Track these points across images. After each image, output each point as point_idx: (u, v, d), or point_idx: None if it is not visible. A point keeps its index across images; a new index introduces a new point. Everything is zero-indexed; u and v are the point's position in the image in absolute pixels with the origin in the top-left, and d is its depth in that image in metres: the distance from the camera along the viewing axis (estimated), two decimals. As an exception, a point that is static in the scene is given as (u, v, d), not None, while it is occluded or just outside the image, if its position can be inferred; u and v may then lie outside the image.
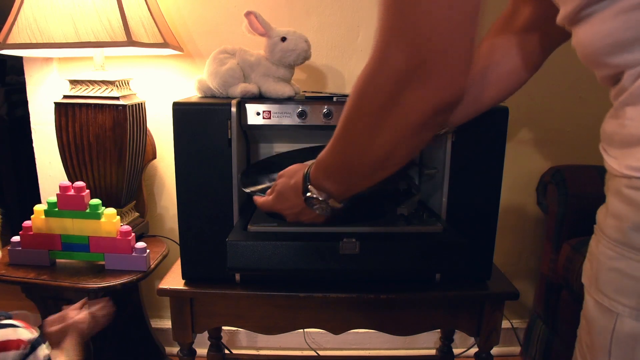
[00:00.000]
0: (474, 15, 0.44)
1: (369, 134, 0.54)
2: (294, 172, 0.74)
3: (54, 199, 1.07)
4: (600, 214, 0.52)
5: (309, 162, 0.70)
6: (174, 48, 1.20)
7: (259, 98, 1.03)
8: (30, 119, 1.40)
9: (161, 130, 1.40)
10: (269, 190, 0.79)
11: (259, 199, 0.81)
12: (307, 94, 1.14)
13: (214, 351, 1.43)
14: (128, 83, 1.23)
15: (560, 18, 0.52)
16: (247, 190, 0.92)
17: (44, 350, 0.71)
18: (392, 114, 0.50)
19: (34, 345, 0.70)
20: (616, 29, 0.46)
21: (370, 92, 0.51)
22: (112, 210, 1.09)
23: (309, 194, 0.69)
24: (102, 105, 1.13)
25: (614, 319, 0.49)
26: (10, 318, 0.72)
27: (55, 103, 1.15)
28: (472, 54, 0.46)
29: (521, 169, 1.48)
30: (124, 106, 1.13)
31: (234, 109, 0.92)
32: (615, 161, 0.49)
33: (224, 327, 1.51)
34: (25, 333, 0.70)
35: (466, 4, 0.43)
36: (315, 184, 0.67)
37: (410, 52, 0.45)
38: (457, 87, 0.47)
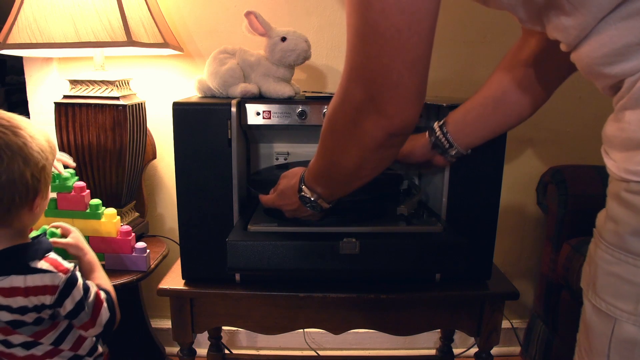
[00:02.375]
0: (420, 59, 0.52)
1: (340, 151, 0.65)
2: (294, 174, 0.84)
3: (54, 199, 1.07)
4: (600, 217, 0.52)
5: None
6: (174, 48, 1.21)
7: (259, 98, 1.03)
8: (30, 119, 1.40)
9: (161, 130, 1.40)
10: (272, 189, 0.90)
11: (263, 197, 0.92)
12: (307, 94, 1.15)
13: (214, 351, 1.43)
14: (128, 83, 1.23)
15: (564, 47, 0.53)
16: (252, 188, 1.03)
17: (77, 291, 0.79)
18: (354, 135, 0.60)
19: (69, 282, 0.78)
20: (610, 39, 0.46)
21: (338, 117, 0.62)
22: (112, 210, 1.09)
23: (302, 194, 0.79)
24: (102, 105, 1.13)
25: (612, 324, 0.48)
26: (50, 250, 0.80)
27: (55, 103, 1.15)
28: (422, 88, 0.54)
29: (521, 169, 1.48)
30: (124, 106, 1.13)
31: (234, 109, 0.92)
32: (614, 164, 0.49)
33: (224, 327, 1.51)
34: (61, 277, 0.77)
35: (410, 52, 0.51)
36: (308, 185, 0.78)
37: (365, 88, 0.54)
38: (407, 117, 0.55)
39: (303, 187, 0.79)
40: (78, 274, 0.81)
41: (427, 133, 0.89)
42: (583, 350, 0.54)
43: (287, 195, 0.84)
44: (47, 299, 0.77)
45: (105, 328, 0.84)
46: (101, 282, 0.89)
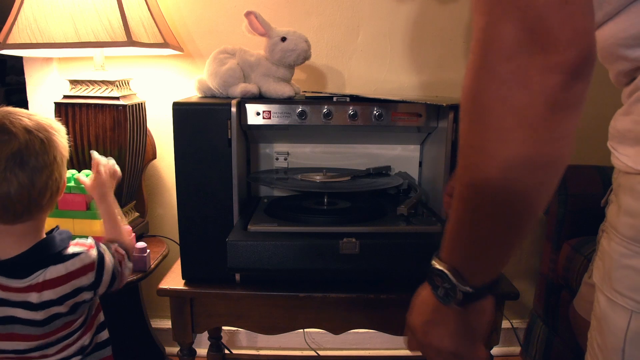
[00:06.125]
0: None
1: (490, 145, 0.40)
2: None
3: (54, 199, 1.07)
4: (612, 212, 0.52)
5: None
6: (174, 48, 1.20)
7: (259, 98, 1.03)
8: (30, 119, 1.40)
9: (161, 130, 1.40)
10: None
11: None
12: (307, 94, 1.15)
13: (214, 351, 1.43)
14: (128, 83, 1.23)
15: None
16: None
17: (108, 260, 0.82)
18: (513, 102, 0.39)
19: (100, 260, 0.81)
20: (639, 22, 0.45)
21: (482, 91, 0.41)
22: (112, 210, 1.09)
23: (432, 266, 0.51)
24: (102, 105, 1.13)
25: (628, 316, 0.48)
26: (71, 236, 0.82)
27: (55, 103, 1.15)
28: (592, 7, 0.39)
29: (521, 169, 1.48)
30: (124, 106, 1.13)
31: (234, 109, 0.92)
32: (629, 159, 0.48)
33: (224, 327, 1.51)
34: (93, 253, 0.80)
35: None
36: (441, 255, 0.51)
37: (519, 19, 0.38)
38: (584, 40, 0.38)
39: (434, 261, 0.51)
40: (99, 243, 0.84)
41: None
42: (596, 345, 0.53)
43: (417, 302, 0.56)
44: (86, 279, 0.79)
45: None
46: (111, 235, 0.90)
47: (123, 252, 0.87)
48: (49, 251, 0.77)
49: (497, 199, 0.41)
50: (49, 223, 0.97)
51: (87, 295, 0.80)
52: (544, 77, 0.38)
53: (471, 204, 0.43)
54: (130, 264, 0.88)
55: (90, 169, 1.12)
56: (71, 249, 0.79)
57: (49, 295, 0.76)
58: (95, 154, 0.93)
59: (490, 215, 0.42)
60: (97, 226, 1.08)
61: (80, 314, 0.82)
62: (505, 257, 0.46)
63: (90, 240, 0.83)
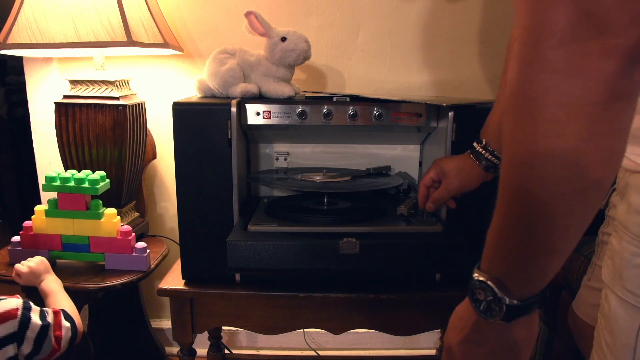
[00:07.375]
0: None
1: (542, 141, 0.36)
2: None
3: (54, 199, 1.07)
4: (621, 210, 0.51)
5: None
6: (174, 48, 1.20)
7: (259, 98, 1.03)
8: (30, 119, 1.40)
9: (161, 130, 1.40)
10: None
11: None
12: (307, 94, 1.15)
13: (214, 351, 1.43)
14: (128, 83, 1.23)
15: None
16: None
17: (35, 310, 0.82)
18: (569, 90, 0.35)
19: (26, 307, 0.80)
20: None
21: (532, 82, 0.36)
22: (112, 210, 1.09)
23: (474, 279, 0.47)
24: (102, 105, 1.13)
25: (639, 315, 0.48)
26: None
27: (55, 103, 1.15)
28: None
29: (521, 169, 1.48)
30: (124, 106, 1.13)
31: (234, 109, 0.92)
32: (639, 157, 0.48)
33: (224, 327, 1.51)
34: (14, 301, 0.79)
35: None
36: (482, 266, 0.48)
37: (573, 4, 0.34)
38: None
39: (475, 273, 0.48)
40: (28, 301, 0.82)
41: (473, 160, 0.83)
42: (604, 344, 0.53)
43: (454, 318, 0.53)
44: (6, 328, 0.76)
45: (70, 344, 0.85)
46: (55, 306, 0.91)
47: (57, 310, 0.86)
48: None
49: (549, 201, 0.37)
50: (49, 223, 0.97)
51: (10, 351, 0.76)
52: (601, 63, 0.34)
53: (517, 209, 0.40)
54: (67, 324, 0.85)
55: (89, 169, 1.13)
56: None
57: None
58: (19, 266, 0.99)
59: (540, 220, 0.38)
60: (98, 226, 1.08)
61: None
62: (555, 265, 0.41)
63: (21, 299, 0.81)
